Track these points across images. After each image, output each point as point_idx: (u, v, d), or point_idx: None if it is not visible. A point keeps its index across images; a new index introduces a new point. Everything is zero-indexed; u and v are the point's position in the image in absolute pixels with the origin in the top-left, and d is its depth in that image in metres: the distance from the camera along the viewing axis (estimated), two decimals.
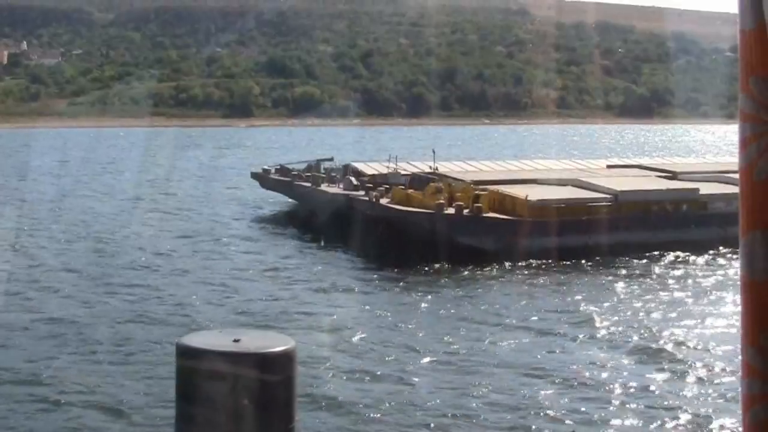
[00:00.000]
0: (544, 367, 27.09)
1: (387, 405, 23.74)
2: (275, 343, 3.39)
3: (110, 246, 47.49)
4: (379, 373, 26.33)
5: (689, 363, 28.10)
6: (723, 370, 27.12)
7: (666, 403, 24.46)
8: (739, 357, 2.25)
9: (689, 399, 24.80)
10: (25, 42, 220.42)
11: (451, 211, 45.55)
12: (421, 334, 30.76)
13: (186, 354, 3.34)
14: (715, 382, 26.20)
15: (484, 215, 45.62)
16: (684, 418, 23.33)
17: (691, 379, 26.62)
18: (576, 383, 25.71)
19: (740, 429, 2.27)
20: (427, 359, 27.73)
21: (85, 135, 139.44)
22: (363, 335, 30.34)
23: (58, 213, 59.16)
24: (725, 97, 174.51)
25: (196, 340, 3.41)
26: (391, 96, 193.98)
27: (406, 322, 32.54)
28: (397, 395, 24.54)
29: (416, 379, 25.85)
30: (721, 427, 22.80)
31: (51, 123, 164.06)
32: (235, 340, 3.33)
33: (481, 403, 24.04)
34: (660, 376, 26.73)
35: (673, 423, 23.02)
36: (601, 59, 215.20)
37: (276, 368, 3.30)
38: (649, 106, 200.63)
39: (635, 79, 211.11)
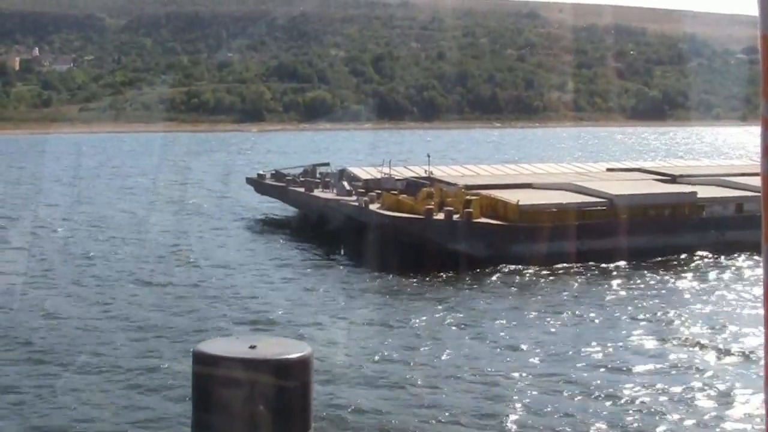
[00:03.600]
0: (531, 376, 26.57)
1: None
2: (291, 349, 3.43)
3: (110, 253, 47.17)
4: (358, 383, 25.87)
5: (686, 369, 27.55)
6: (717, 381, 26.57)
7: (664, 408, 23.93)
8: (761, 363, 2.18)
9: (687, 407, 24.25)
10: (37, 48, 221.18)
11: (441, 216, 44.81)
12: (399, 344, 30.27)
13: (202, 361, 3.37)
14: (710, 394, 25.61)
15: (475, 220, 44.79)
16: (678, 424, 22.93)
17: (688, 386, 26.03)
18: (563, 392, 25.20)
19: None
20: (410, 369, 27.28)
21: (96, 141, 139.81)
22: (338, 343, 29.89)
23: (61, 220, 58.99)
24: (738, 99, 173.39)
25: (212, 346, 3.45)
26: (402, 100, 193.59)
27: (382, 331, 32.06)
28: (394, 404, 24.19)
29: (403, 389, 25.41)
30: None
31: (63, 129, 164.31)
32: (251, 347, 3.38)
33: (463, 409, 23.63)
34: (651, 380, 26.16)
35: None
36: (613, 62, 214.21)
37: (292, 375, 3.36)
38: (662, 109, 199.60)
39: (647, 82, 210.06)
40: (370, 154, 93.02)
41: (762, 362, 2.21)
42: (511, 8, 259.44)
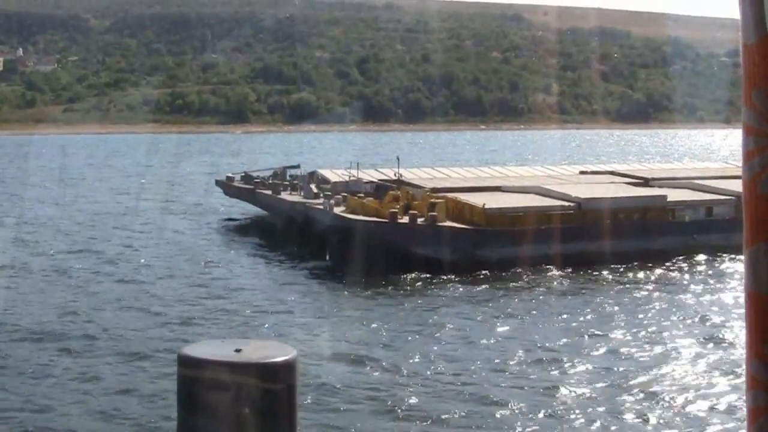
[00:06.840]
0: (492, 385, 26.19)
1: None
2: (276, 352, 3.44)
3: (88, 259, 46.60)
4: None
5: (658, 372, 27.18)
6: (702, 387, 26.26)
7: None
8: (743, 368, 2.23)
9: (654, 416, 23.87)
10: (21, 49, 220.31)
11: (405, 220, 44.28)
12: (359, 347, 29.86)
13: (188, 364, 3.40)
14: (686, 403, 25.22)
15: (440, 224, 44.24)
16: None
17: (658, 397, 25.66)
18: (528, 406, 24.74)
19: None
20: (373, 372, 26.94)
21: (81, 142, 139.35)
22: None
23: (34, 221, 58.53)
24: (721, 101, 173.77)
25: (198, 350, 3.46)
26: (387, 102, 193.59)
27: (339, 333, 31.64)
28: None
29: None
30: None
31: (47, 130, 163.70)
32: (237, 350, 3.40)
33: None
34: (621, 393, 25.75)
35: None
36: (597, 64, 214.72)
37: (278, 377, 3.38)
38: (646, 111, 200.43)
39: (632, 85, 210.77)
40: (352, 156, 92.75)
41: (742, 365, 2.19)
42: (496, 11, 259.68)
